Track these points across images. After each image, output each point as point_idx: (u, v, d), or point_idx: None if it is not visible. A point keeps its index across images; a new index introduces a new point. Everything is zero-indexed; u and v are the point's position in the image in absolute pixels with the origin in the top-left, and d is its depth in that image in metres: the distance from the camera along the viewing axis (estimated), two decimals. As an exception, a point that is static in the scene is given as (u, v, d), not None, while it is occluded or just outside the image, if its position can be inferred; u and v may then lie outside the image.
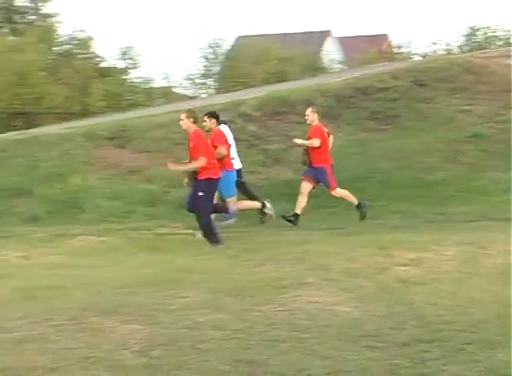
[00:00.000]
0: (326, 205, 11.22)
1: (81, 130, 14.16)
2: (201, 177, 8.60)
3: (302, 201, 10.32)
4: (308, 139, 10.44)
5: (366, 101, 14.74)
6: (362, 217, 10.38)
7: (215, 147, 9.52)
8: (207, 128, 9.86)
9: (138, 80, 31.65)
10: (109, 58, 31.78)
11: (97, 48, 31.55)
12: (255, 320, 4.70)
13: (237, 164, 10.72)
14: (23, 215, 10.52)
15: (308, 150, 10.48)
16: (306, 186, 10.40)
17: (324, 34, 39.64)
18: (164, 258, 7.56)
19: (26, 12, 34.40)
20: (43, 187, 10.94)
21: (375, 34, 37.07)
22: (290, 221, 10.19)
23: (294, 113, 14.64)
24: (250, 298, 5.33)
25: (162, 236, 9.72)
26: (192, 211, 8.93)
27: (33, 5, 34.32)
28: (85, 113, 25.39)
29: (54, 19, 33.65)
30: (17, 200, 10.24)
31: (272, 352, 4.02)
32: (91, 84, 28.14)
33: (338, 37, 40.37)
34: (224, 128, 10.60)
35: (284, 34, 37.19)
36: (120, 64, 31.66)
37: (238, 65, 30.36)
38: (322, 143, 10.31)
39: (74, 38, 31.24)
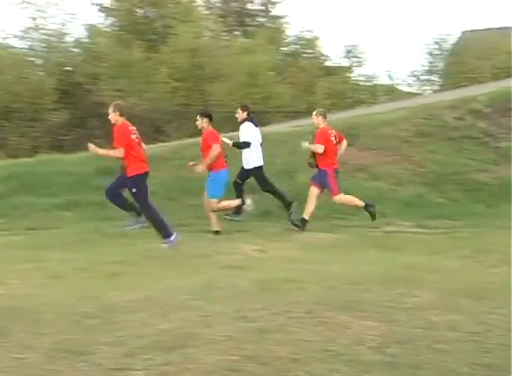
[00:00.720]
0: None
1: (308, 128, 14.48)
2: (129, 174, 8.72)
3: (310, 206, 10.02)
4: (315, 142, 10.14)
5: None
6: (373, 217, 10.12)
7: (209, 146, 9.50)
8: (199, 127, 9.79)
9: (362, 78, 31.74)
10: (334, 56, 32.26)
11: (322, 47, 32.13)
12: (492, 323, 4.55)
13: (258, 161, 10.62)
14: (256, 210, 10.98)
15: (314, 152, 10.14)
16: (313, 191, 10.12)
17: (560, 25, 37.11)
18: (392, 256, 7.54)
19: (256, 15, 35.82)
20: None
21: None
22: (296, 225, 9.95)
23: (528, 109, 13.96)
24: (485, 300, 5.16)
25: (389, 233, 9.72)
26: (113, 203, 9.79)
27: (263, 7, 35.66)
28: (310, 111, 25.85)
29: (282, 20, 34.78)
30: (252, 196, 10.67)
31: (513, 357, 3.89)
32: (316, 83, 28.69)
33: None
34: (249, 125, 10.57)
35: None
36: (345, 62, 31.96)
37: (464, 60, 29.37)
38: (326, 148, 10.03)
39: (301, 38, 32.07)
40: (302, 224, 9.98)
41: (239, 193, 10.63)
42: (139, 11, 31.17)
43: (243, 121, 10.65)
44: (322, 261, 7.35)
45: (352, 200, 10.17)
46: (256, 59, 26.43)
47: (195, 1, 32.21)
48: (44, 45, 28.10)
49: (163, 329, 4.45)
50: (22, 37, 28.40)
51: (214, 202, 9.66)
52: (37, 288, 5.97)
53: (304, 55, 32.07)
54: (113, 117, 8.91)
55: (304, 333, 4.39)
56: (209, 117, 9.78)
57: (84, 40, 29.61)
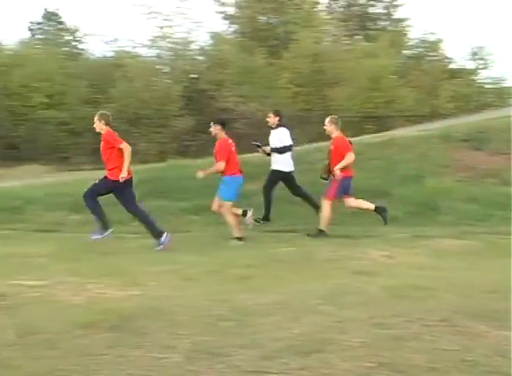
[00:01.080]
0: None
1: (435, 132, 14.24)
2: (111, 177, 8.98)
3: (365, 205, 10.06)
4: (336, 150, 9.85)
5: None
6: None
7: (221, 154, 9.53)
8: (212, 134, 9.76)
9: (488, 80, 30.82)
10: (459, 59, 31.48)
11: (446, 49, 31.44)
12: None
13: (285, 166, 10.60)
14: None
15: (331, 162, 9.84)
16: (350, 202, 10.04)
17: None
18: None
19: (378, 19, 35.53)
20: (400, 189, 11.21)
21: None
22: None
23: None
24: None
25: (523, 241, 9.37)
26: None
27: (385, 11, 35.30)
28: (434, 115, 25.42)
29: (404, 23, 34.29)
30: (376, 201, 10.56)
31: None
32: (439, 86, 28.11)
33: None
34: (285, 130, 10.62)
35: None
36: (470, 65, 31.13)
37: None
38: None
39: (424, 41, 31.56)
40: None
41: (301, 195, 10.89)
42: (262, 18, 31.61)
43: (277, 126, 10.75)
44: (453, 268, 7.19)
45: (326, 214, 9.88)
46: (378, 62, 26.16)
47: (316, 7, 32.31)
48: (171, 53, 28.97)
49: (297, 333, 4.48)
50: (150, 46, 29.44)
51: (228, 204, 9.66)
52: (172, 290, 6.15)
53: (427, 58, 31.51)
54: (98, 125, 9.19)
55: (440, 341, 4.30)
56: (223, 124, 9.85)
57: (209, 47, 30.29)
